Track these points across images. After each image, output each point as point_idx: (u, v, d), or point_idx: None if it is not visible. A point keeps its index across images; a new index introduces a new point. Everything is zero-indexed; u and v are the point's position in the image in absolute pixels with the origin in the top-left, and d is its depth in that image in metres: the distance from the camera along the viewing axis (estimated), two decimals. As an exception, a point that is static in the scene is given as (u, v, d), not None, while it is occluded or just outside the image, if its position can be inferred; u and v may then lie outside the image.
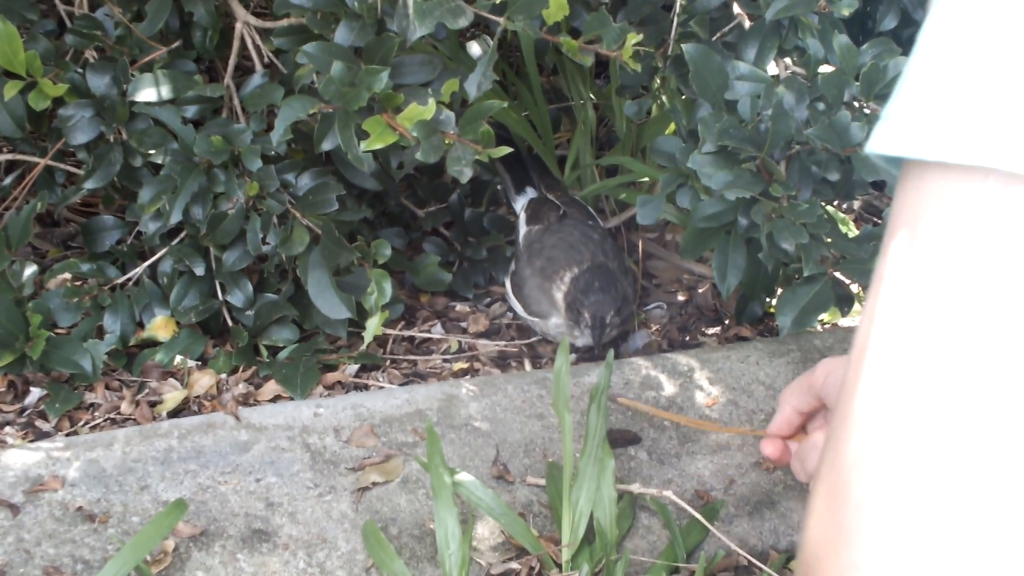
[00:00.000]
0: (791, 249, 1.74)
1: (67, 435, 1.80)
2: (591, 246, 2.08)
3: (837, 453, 0.70)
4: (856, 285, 1.96)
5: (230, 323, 2.00)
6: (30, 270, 1.92)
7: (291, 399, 1.88)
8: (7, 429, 1.82)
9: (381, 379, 1.99)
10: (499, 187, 2.34)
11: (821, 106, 1.79)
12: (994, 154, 0.63)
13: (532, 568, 1.67)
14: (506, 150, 1.74)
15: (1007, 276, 0.64)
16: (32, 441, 1.76)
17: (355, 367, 1.99)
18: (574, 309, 2.01)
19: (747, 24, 1.87)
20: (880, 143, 0.68)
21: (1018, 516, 0.66)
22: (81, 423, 1.84)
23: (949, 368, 0.66)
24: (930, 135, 0.65)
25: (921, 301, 0.66)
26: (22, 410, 1.86)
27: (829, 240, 1.83)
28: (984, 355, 0.65)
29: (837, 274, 1.86)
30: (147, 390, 1.91)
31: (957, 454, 0.66)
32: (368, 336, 1.93)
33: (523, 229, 2.17)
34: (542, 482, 1.76)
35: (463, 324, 2.17)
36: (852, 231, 2.27)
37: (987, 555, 0.66)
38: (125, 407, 1.86)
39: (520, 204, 2.24)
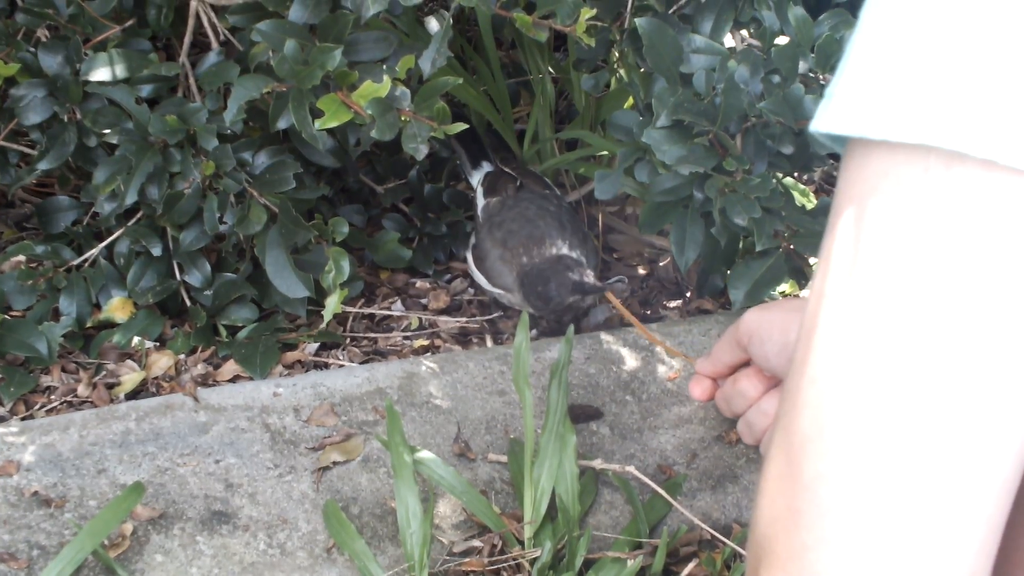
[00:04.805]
0: (744, 223, 1.74)
1: (22, 419, 1.78)
2: (548, 219, 2.08)
3: (787, 433, 0.70)
4: (813, 258, 1.96)
5: (188, 303, 1.99)
6: (-17, 252, 1.90)
7: (250, 379, 1.87)
8: (-38, 414, 1.81)
9: (341, 357, 1.98)
10: (457, 163, 2.33)
11: (776, 79, 1.78)
12: (935, 133, 0.63)
13: (494, 545, 1.66)
14: (462, 126, 1.73)
15: (952, 257, 0.64)
16: (-13, 426, 1.74)
17: (315, 346, 1.99)
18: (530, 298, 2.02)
19: (703, -4, 1.86)
20: (824, 122, 0.68)
21: (967, 496, 0.66)
22: (37, 407, 1.83)
23: (896, 349, 0.66)
24: (872, 114, 0.65)
25: (868, 283, 0.67)
26: (-23, 395, 1.85)
27: (784, 214, 1.83)
28: (930, 338, 0.65)
29: (793, 247, 1.86)
30: (104, 372, 1.90)
31: (906, 435, 0.66)
32: (327, 314, 1.92)
33: (481, 202, 2.17)
34: (504, 459, 1.76)
35: (423, 301, 2.17)
36: (812, 203, 2.27)
37: (937, 532, 0.66)
38: (82, 390, 1.85)
39: (476, 179, 2.24)
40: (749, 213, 1.73)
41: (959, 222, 0.64)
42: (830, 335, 0.68)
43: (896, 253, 0.65)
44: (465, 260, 2.20)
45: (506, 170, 2.22)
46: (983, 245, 0.63)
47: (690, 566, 1.70)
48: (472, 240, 2.16)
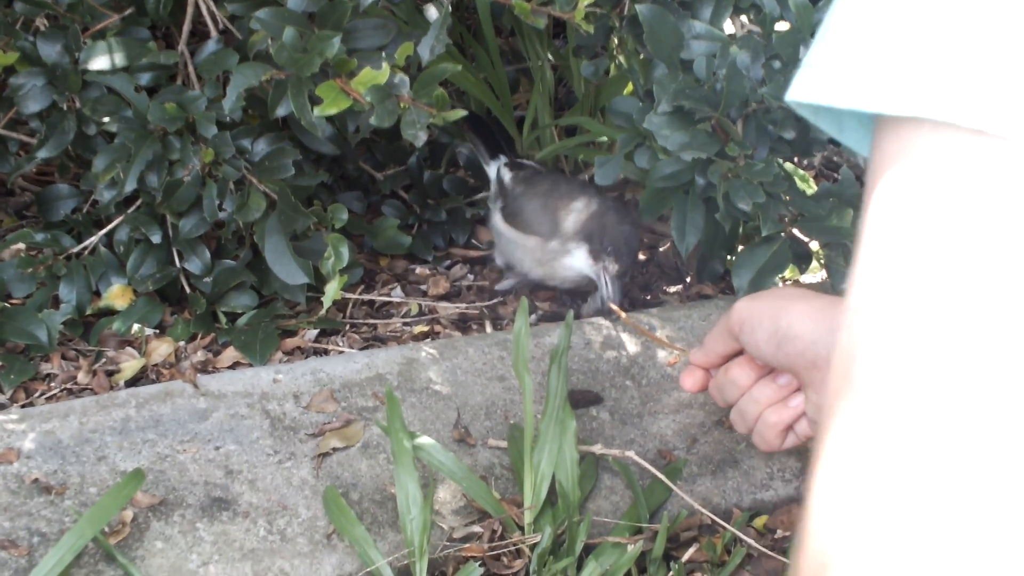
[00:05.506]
0: (748, 209, 1.74)
1: (22, 406, 1.78)
2: (583, 185, 2.10)
3: (842, 435, 0.68)
4: (815, 243, 1.96)
5: (188, 290, 1.99)
6: (-17, 240, 1.90)
7: (250, 366, 1.87)
8: (-38, 402, 1.81)
9: (341, 344, 1.99)
10: (460, 151, 2.33)
11: (777, 64, 1.78)
12: (927, 104, 0.62)
13: (494, 531, 1.67)
14: (461, 113, 1.73)
15: (984, 230, 0.62)
16: (-12, 413, 1.74)
17: (314, 332, 1.99)
18: (596, 240, 1.99)
19: (702, -18, 1.86)
20: (801, 91, 0.66)
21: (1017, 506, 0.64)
22: (37, 394, 1.83)
23: (943, 344, 0.63)
24: (859, 85, 0.64)
25: (904, 278, 0.64)
26: (-23, 382, 1.85)
27: (787, 198, 1.83)
28: (970, 328, 0.63)
29: (796, 232, 1.86)
30: (104, 359, 1.90)
31: (944, 409, 0.64)
32: (327, 301, 1.92)
33: (507, 175, 2.14)
34: (503, 444, 1.76)
35: (423, 287, 2.17)
36: (812, 188, 2.27)
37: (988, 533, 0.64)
38: (82, 377, 1.85)
39: (493, 168, 2.22)
40: (753, 198, 1.73)
41: (994, 197, 0.62)
42: (873, 332, 0.66)
43: (929, 232, 0.63)
44: (468, 243, 2.20)
45: (525, 161, 2.23)
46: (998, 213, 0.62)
47: (691, 551, 1.70)
48: (499, 204, 2.13)
